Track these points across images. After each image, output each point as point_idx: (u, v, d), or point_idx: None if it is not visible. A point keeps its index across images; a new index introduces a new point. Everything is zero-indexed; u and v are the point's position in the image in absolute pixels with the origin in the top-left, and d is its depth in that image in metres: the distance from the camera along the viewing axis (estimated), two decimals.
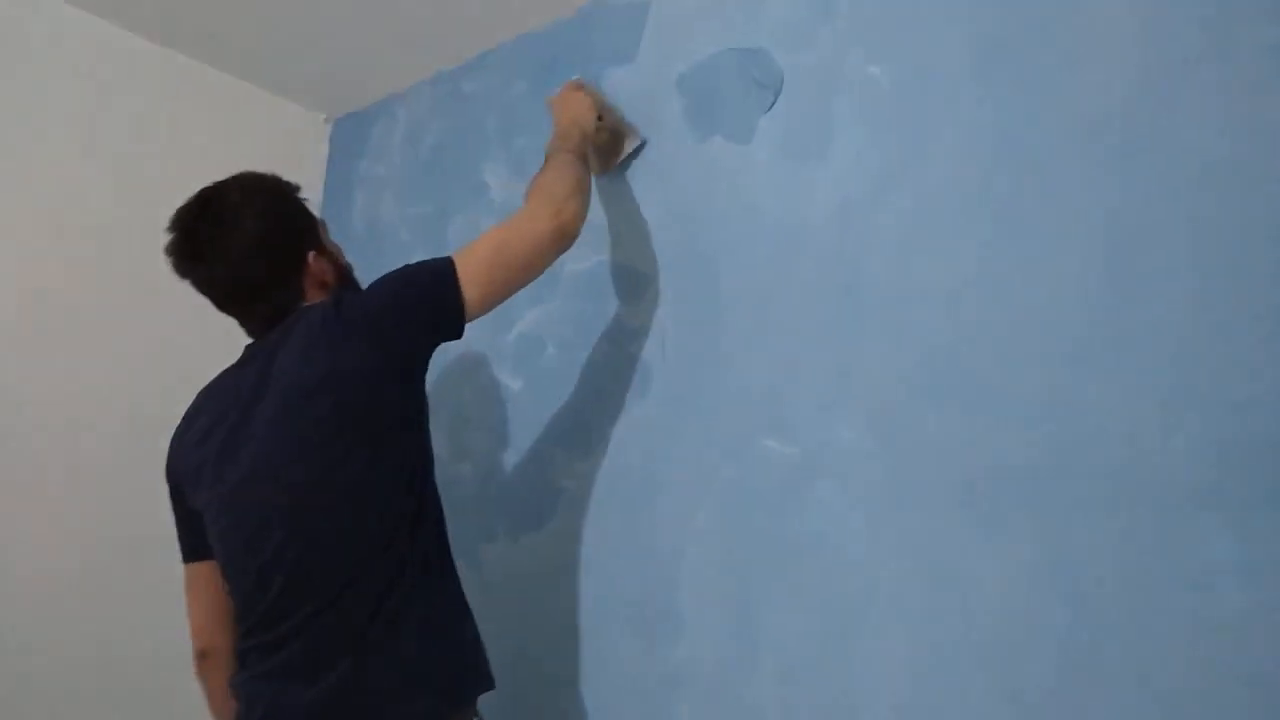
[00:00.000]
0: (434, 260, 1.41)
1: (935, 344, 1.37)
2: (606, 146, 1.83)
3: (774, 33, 1.67)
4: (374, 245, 2.35)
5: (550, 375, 1.88)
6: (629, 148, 1.82)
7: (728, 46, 1.73)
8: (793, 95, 1.62)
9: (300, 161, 2.56)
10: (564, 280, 1.89)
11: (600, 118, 1.76)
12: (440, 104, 2.30)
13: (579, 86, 1.78)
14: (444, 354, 2.06)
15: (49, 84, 2.09)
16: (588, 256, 1.85)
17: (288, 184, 1.52)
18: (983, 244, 1.35)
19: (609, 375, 1.78)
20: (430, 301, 1.37)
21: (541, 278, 1.77)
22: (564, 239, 1.49)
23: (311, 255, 1.47)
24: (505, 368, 1.96)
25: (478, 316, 1.41)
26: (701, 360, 1.64)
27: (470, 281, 1.38)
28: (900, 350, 1.41)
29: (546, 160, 1.61)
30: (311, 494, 1.30)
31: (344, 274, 1.54)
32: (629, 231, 1.81)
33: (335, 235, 2.29)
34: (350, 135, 2.54)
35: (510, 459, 1.90)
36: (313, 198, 2.55)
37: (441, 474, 1.97)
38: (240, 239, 1.41)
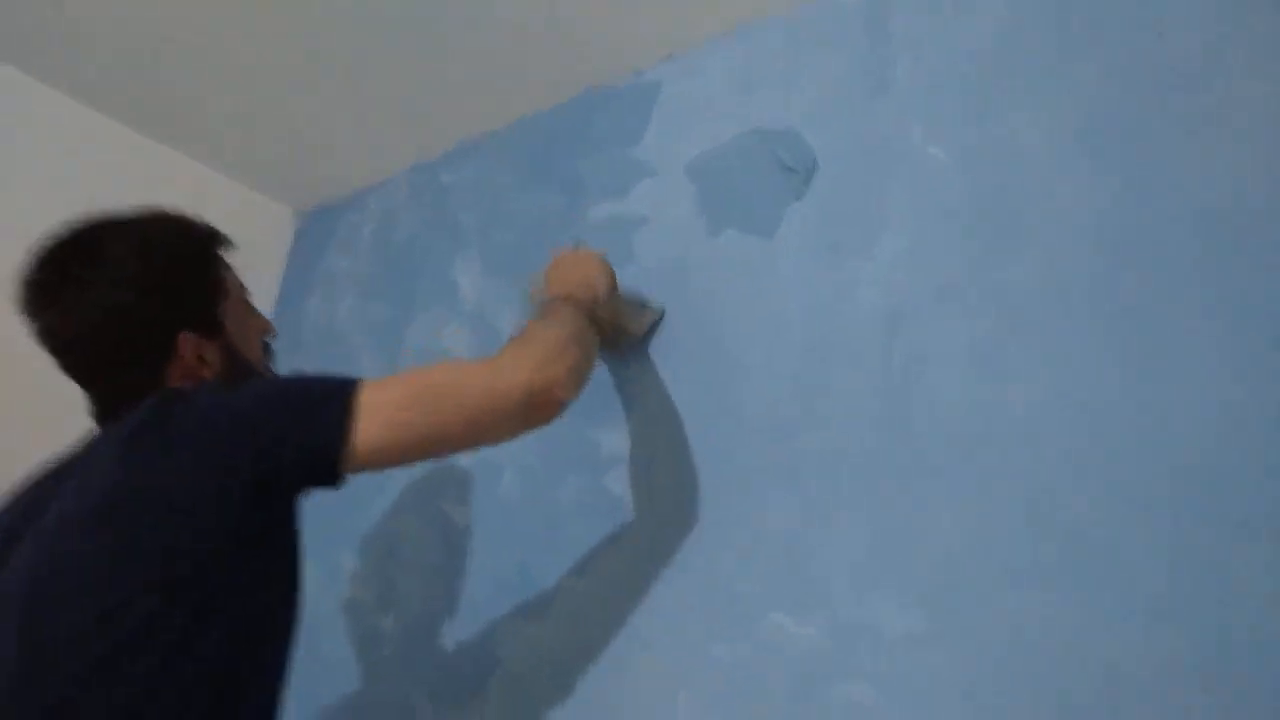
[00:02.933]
0: (338, 377, 1.02)
1: (1016, 497, 1.01)
2: (611, 326, 1.38)
3: (809, 111, 1.37)
4: (323, 350, 2.01)
5: (504, 510, 1.50)
6: (640, 327, 1.42)
7: (752, 128, 1.43)
8: (830, 181, 1.31)
9: (263, 255, 2.27)
10: None
11: (613, 285, 1.36)
12: (416, 195, 2.01)
13: (588, 251, 1.39)
14: (379, 475, 1.69)
15: (11, 154, 1.86)
16: None
17: (199, 231, 1.16)
18: (1082, 366, 1.01)
19: (577, 515, 1.40)
20: (303, 426, 0.96)
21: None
22: (539, 408, 1.05)
23: (188, 338, 1.10)
24: (450, 495, 1.58)
25: (368, 469, 0.99)
26: (697, 504, 1.27)
27: (372, 420, 0.97)
28: (967, 505, 1.04)
29: (541, 309, 1.23)
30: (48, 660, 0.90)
31: (238, 368, 1.15)
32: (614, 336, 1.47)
33: (285, 339, 1.98)
34: (318, 228, 2.25)
35: (444, 615, 1.50)
36: (268, 294, 2.28)
37: (360, 627, 1.57)
38: (86, 288, 1.06)
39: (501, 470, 1.52)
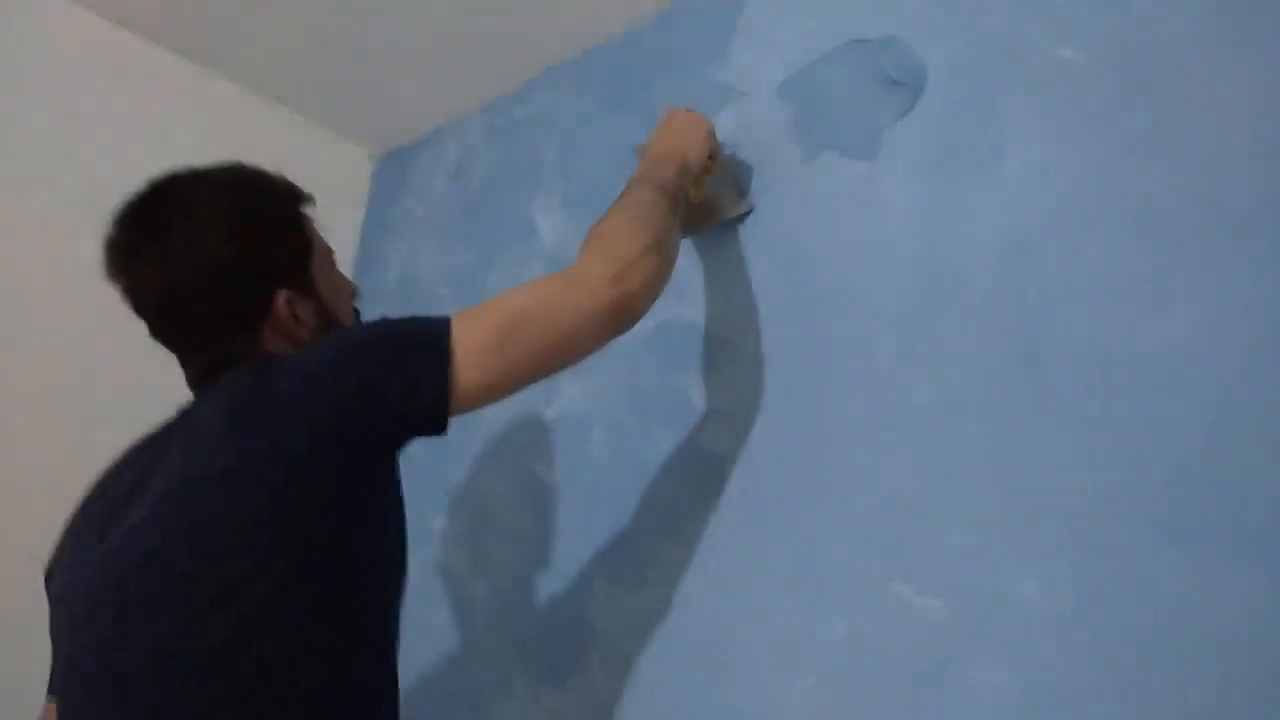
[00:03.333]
0: (426, 318, 0.97)
1: (1171, 448, 0.87)
2: (702, 205, 1.35)
3: (916, 16, 1.21)
4: (405, 301, 1.94)
5: (596, 470, 1.41)
6: (732, 211, 1.34)
7: (850, 39, 1.28)
8: (940, 94, 1.16)
9: (341, 201, 2.21)
10: (618, 344, 1.43)
11: (714, 154, 1.30)
12: (493, 133, 1.91)
13: (699, 123, 1.31)
14: (465, 431, 1.63)
15: (81, 97, 1.83)
16: (651, 312, 1.39)
17: (282, 188, 1.11)
18: (1244, 295, 0.86)
19: (673, 475, 1.30)
20: (402, 376, 0.91)
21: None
22: (624, 316, 1.04)
23: (283, 294, 1.04)
24: (540, 455, 1.50)
25: (474, 409, 0.96)
26: (804, 460, 1.16)
27: (469, 358, 0.93)
28: (1113, 458, 0.90)
29: (624, 192, 1.16)
30: (170, 630, 0.86)
31: (333, 328, 1.09)
32: (709, 278, 1.36)
33: (367, 290, 1.92)
34: (394, 173, 2.17)
35: (538, 580, 1.43)
36: (348, 244, 2.22)
37: (455, 591, 1.51)
38: (179, 241, 1.00)
39: (589, 426, 1.43)
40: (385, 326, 0.97)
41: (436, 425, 0.94)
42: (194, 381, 1.05)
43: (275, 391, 0.91)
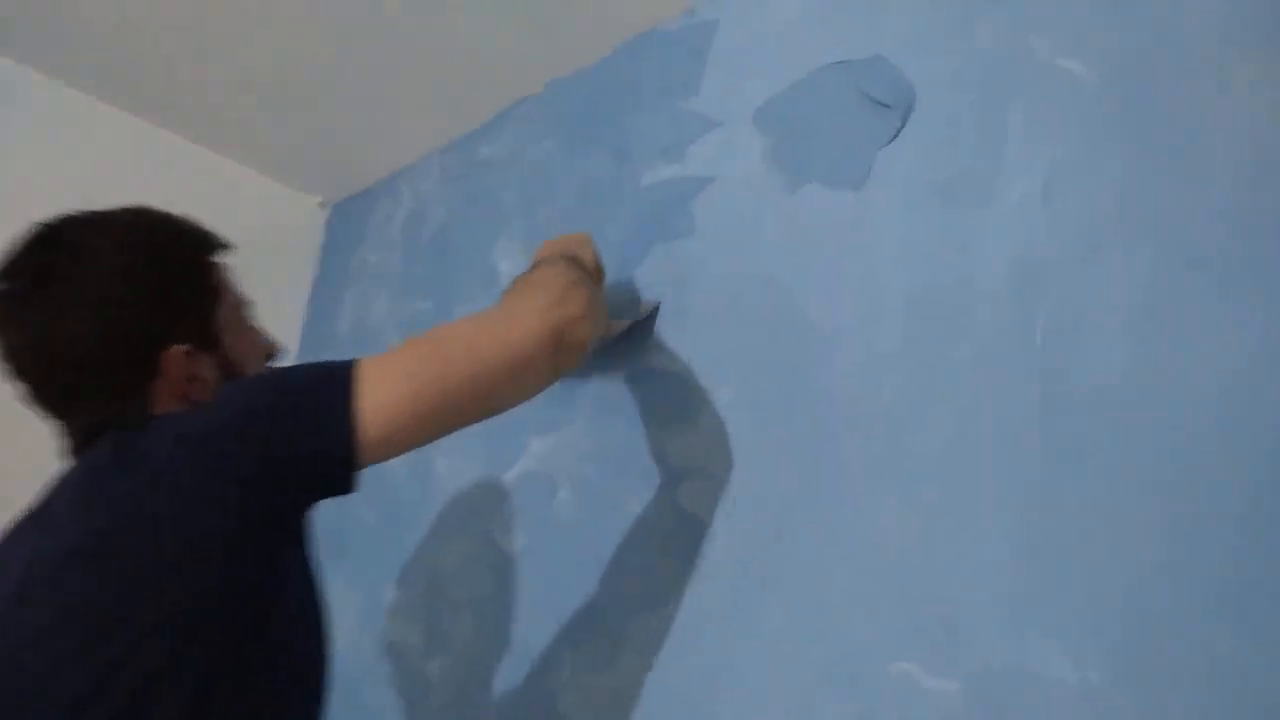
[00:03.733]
0: (328, 362, 0.86)
1: (1214, 499, 0.75)
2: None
3: (903, 35, 1.12)
4: (361, 351, 1.81)
5: (562, 533, 1.28)
6: (632, 315, 1.26)
7: (831, 62, 1.18)
8: (931, 115, 1.06)
9: (293, 252, 2.09)
10: (583, 393, 1.31)
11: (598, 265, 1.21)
12: (451, 176, 1.80)
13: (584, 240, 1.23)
14: (416, 493, 1.49)
15: (25, 153, 1.73)
16: (620, 359, 1.27)
17: (188, 231, 1.00)
18: None
19: (647, 540, 1.18)
20: (300, 421, 0.80)
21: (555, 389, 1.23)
22: (563, 348, 0.95)
23: (179, 349, 0.92)
24: (500, 519, 1.36)
25: (386, 456, 0.84)
26: (792, 521, 1.03)
27: (378, 403, 0.81)
28: (1149, 512, 0.79)
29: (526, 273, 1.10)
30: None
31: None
32: (684, 319, 1.24)
33: (318, 340, 1.80)
34: (348, 221, 2.05)
35: (498, 659, 1.29)
36: (299, 297, 2.09)
37: (406, 672, 1.37)
38: (66, 295, 0.89)
39: (555, 486, 1.30)
40: (279, 376, 0.86)
41: (340, 478, 0.81)
42: (72, 450, 0.92)
43: (153, 453, 0.78)
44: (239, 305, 1.03)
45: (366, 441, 0.80)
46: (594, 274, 1.15)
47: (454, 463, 1.46)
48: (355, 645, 1.50)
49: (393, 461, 1.54)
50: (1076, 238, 0.90)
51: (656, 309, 1.25)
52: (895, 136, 1.08)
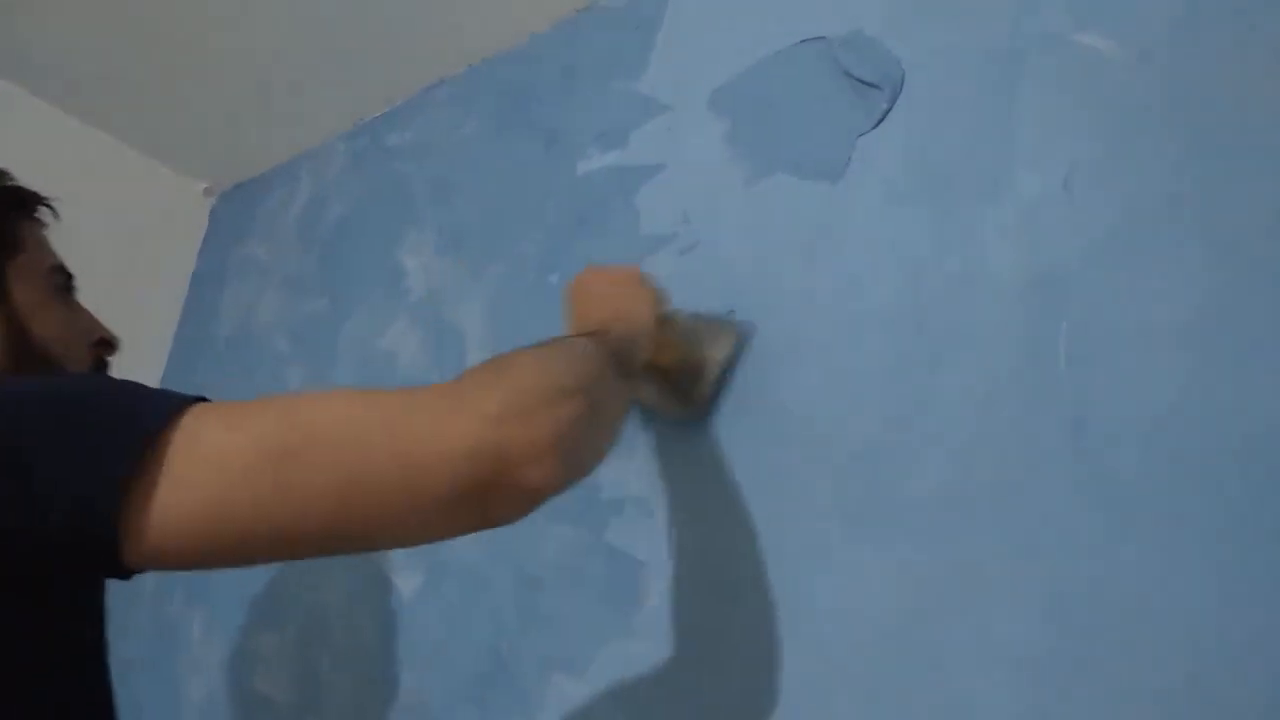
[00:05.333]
0: (157, 394, 0.57)
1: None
2: (675, 375, 0.93)
3: (890, 6, 0.97)
4: (238, 356, 1.59)
5: (465, 573, 1.08)
6: (718, 363, 0.93)
7: (803, 37, 1.03)
8: (924, 97, 0.91)
9: (172, 241, 1.86)
10: None
11: (662, 322, 0.89)
12: (356, 162, 1.60)
13: (630, 274, 0.91)
14: None
15: None
16: None
17: None
18: None
19: (567, 583, 0.99)
20: (70, 472, 0.52)
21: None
22: (493, 489, 0.56)
23: None
24: (393, 553, 1.16)
25: (168, 567, 0.55)
26: (746, 571, 0.86)
27: (185, 477, 0.52)
28: (1201, 561, 0.64)
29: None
30: None
31: (26, 351, 0.82)
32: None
33: (195, 345, 1.59)
34: (236, 210, 1.83)
35: (384, 719, 1.08)
36: (176, 290, 1.86)
37: None
38: None
39: None
40: (86, 391, 0.58)
41: (105, 564, 0.53)
42: None
43: None
44: (49, 269, 0.89)
45: (136, 546, 0.52)
46: (653, 323, 0.86)
47: None
48: (212, 701, 1.27)
49: None
50: (1107, 238, 0.75)
51: (742, 345, 0.94)
52: (881, 121, 0.93)
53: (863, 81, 0.95)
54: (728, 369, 0.93)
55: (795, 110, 1.01)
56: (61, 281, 0.91)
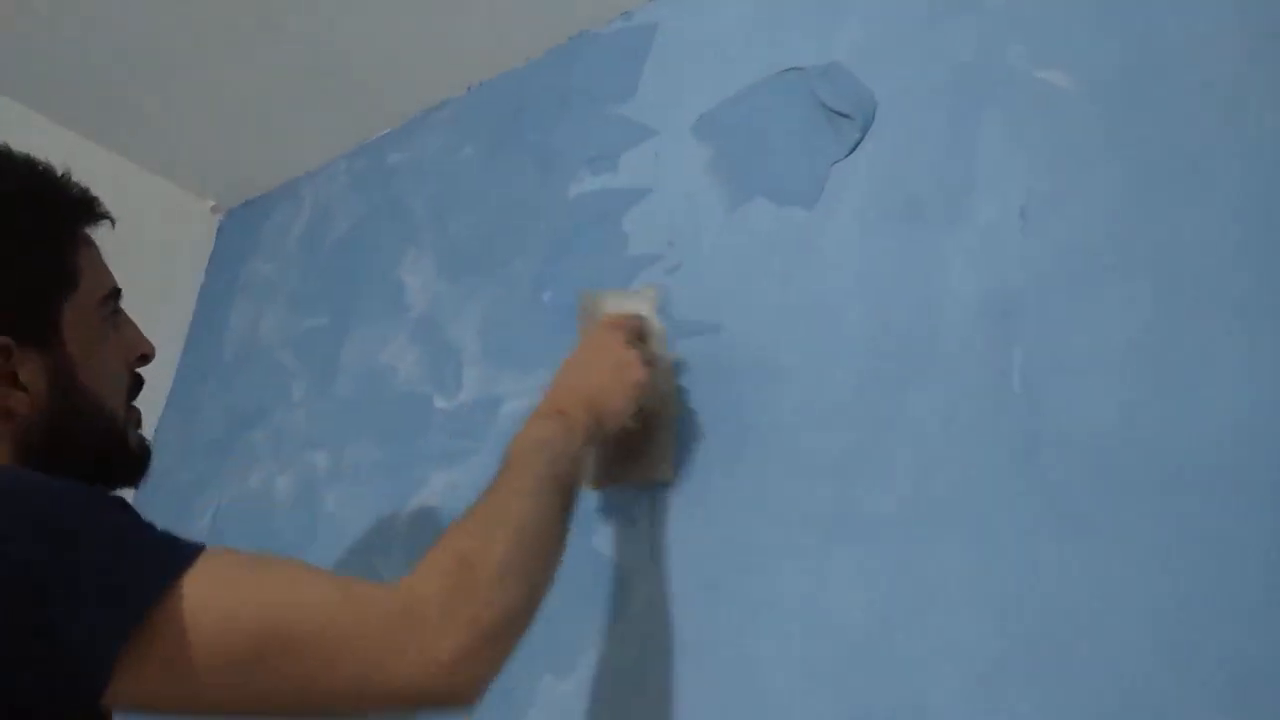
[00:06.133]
0: (166, 545, 0.61)
1: (1219, 567, 0.65)
2: (626, 451, 0.97)
3: (862, 39, 1.02)
4: (245, 371, 1.64)
5: None
6: (657, 474, 0.97)
7: (781, 68, 1.08)
8: (894, 127, 0.96)
9: (179, 259, 1.90)
10: (493, 423, 1.17)
11: (641, 413, 0.92)
12: (358, 182, 1.65)
13: (634, 336, 0.93)
14: (301, 526, 1.33)
15: None
16: (534, 381, 1.14)
17: (51, 186, 0.80)
18: None
19: (557, 589, 1.03)
20: (70, 611, 0.55)
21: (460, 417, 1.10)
22: (451, 707, 0.64)
23: None
24: (394, 561, 1.21)
25: (138, 710, 0.60)
26: (726, 578, 0.91)
27: (167, 656, 0.57)
28: (1139, 578, 0.68)
29: (501, 469, 0.79)
30: None
31: (74, 406, 0.77)
32: None
33: (202, 360, 1.64)
34: (243, 228, 1.88)
35: None
36: (184, 307, 1.91)
37: None
38: None
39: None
40: (95, 514, 0.60)
41: (77, 707, 0.56)
42: None
43: None
44: (102, 297, 0.82)
45: (119, 691, 0.56)
46: (630, 425, 0.91)
47: (345, 494, 1.30)
48: None
49: (275, 490, 1.40)
50: (1060, 265, 0.80)
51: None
52: (853, 149, 0.98)
53: (837, 112, 1.00)
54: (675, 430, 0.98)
55: (774, 138, 1.05)
56: (113, 306, 0.84)
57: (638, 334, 0.94)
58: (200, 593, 0.58)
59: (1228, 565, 0.65)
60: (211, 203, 1.94)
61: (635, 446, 0.96)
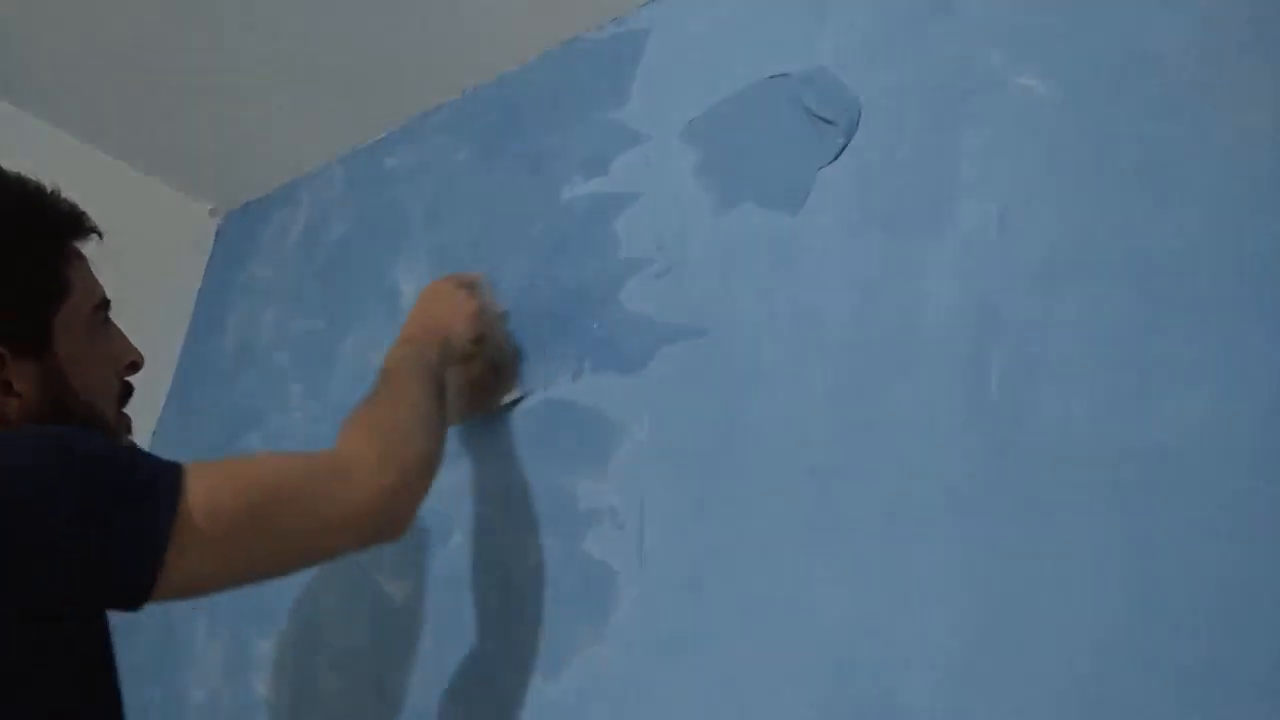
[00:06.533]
0: (152, 470, 0.73)
1: (1190, 568, 0.67)
2: (478, 384, 1.18)
3: (845, 46, 1.04)
4: (242, 373, 1.65)
5: (454, 582, 1.14)
6: (505, 397, 1.17)
7: (769, 75, 1.09)
8: (878, 133, 0.97)
9: (178, 262, 1.92)
10: (487, 428, 1.19)
11: (480, 338, 1.13)
12: (354, 185, 1.66)
13: (466, 285, 1.15)
14: None
15: None
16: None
17: (40, 202, 0.85)
18: (1268, 365, 0.67)
19: (548, 590, 1.05)
20: (102, 536, 0.67)
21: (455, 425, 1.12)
22: (389, 530, 0.86)
23: None
24: (385, 563, 1.22)
25: (181, 597, 0.76)
26: (710, 577, 0.92)
27: (195, 537, 0.71)
28: (1115, 579, 0.70)
29: (388, 375, 0.98)
30: None
31: (67, 409, 0.83)
32: (600, 347, 1.13)
33: (201, 362, 1.66)
34: (240, 231, 1.89)
35: None
36: (183, 311, 1.92)
37: None
38: None
39: (450, 529, 1.17)
40: (94, 459, 0.71)
41: (128, 599, 0.70)
42: None
43: None
44: (92, 308, 0.87)
45: (166, 576, 0.69)
46: (471, 349, 1.11)
47: None
48: (215, 702, 1.34)
49: None
50: (1035, 271, 0.81)
51: (519, 400, 1.16)
52: (838, 156, 0.99)
53: (821, 118, 1.01)
54: (494, 409, 1.17)
55: (760, 143, 1.07)
56: (103, 316, 0.90)
57: (466, 283, 1.15)
58: (206, 484, 0.72)
59: (1201, 567, 0.67)
60: (210, 206, 1.95)
61: (486, 384, 1.17)
